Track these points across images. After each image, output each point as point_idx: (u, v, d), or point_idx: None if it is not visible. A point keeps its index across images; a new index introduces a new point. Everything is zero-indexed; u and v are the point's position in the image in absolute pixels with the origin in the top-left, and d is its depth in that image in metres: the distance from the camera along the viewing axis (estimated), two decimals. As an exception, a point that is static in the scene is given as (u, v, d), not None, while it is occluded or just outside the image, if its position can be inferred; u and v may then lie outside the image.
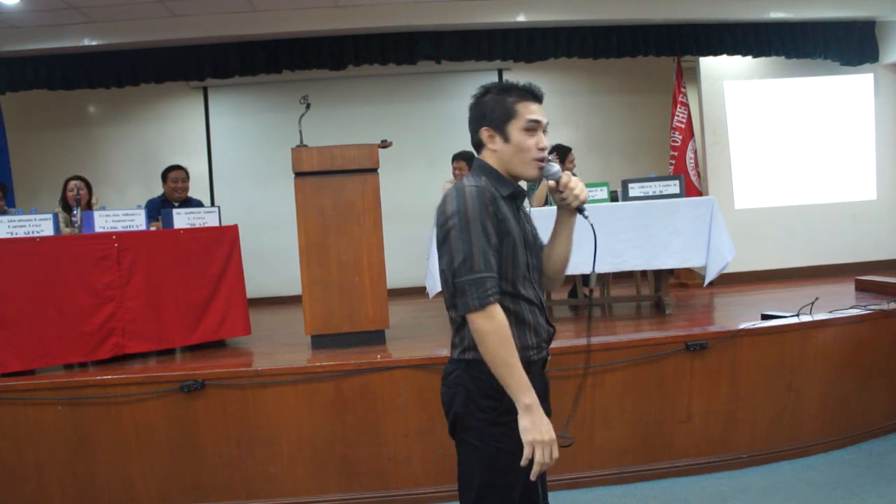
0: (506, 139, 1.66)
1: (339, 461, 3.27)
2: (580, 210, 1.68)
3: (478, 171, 1.70)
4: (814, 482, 3.25)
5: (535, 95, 1.69)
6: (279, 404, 3.25)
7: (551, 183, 1.69)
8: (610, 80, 7.35)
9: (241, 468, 3.24)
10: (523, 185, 1.91)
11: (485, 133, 1.69)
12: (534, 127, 1.65)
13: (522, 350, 1.62)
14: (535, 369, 1.67)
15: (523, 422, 1.52)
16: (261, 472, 3.24)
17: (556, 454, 1.53)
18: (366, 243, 3.80)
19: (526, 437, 1.51)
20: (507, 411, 1.59)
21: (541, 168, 1.67)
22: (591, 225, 1.68)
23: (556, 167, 1.68)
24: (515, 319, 1.63)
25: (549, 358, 1.75)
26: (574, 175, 1.73)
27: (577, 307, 4.96)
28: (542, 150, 1.66)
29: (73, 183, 4.48)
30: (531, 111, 1.66)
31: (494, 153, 1.68)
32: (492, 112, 1.67)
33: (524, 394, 1.53)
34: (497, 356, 1.54)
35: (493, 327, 1.54)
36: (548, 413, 1.74)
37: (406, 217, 5.95)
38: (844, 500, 3.05)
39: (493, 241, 1.58)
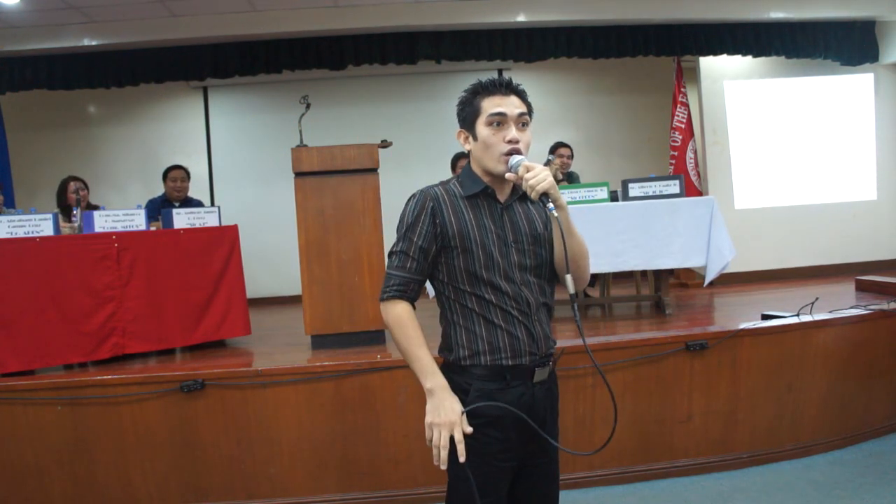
0: (475, 137, 1.67)
1: (338, 461, 3.27)
2: (542, 201, 1.56)
3: (462, 171, 1.74)
4: (814, 482, 3.25)
5: (500, 87, 1.64)
6: (279, 404, 3.25)
7: (510, 175, 1.60)
8: (610, 80, 7.35)
9: (241, 468, 3.24)
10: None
11: (460, 136, 1.72)
12: (498, 120, 1.62)
13: (492, 352, 1.62)
14: (516, 379, 1.63)
15: (427, 406, 1.60)
16: (261, 472, 3.24)
17: (457, 435, 1.55)
18: (366, 243, 3.80)
19: (426, 420, 1.58)
20: (471, 414, 1.62)
21: (507, 161, 1.61)
22: (558, 220, 1.57)
23: (517, 158, 1.60)
24: (483, 321, 1.63)
25: (546, 367, 1.68)
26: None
27: (578, 307, 4.95)
28: (511, 142, 1.61)
29: (75, 184, 4.49)
30: (495, 104, 1.63)
31: (471, 153, 1.71)
32: (462, 113, 1.70)
33: (426, 378, 1.60)
34: (399, 345, 1.65)
35: (389, 320, 1.66)
36: (554, 432, 1.73)
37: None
38: (844, 500, 3.05)
39: (418, 243, 1.63)
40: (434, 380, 1.58)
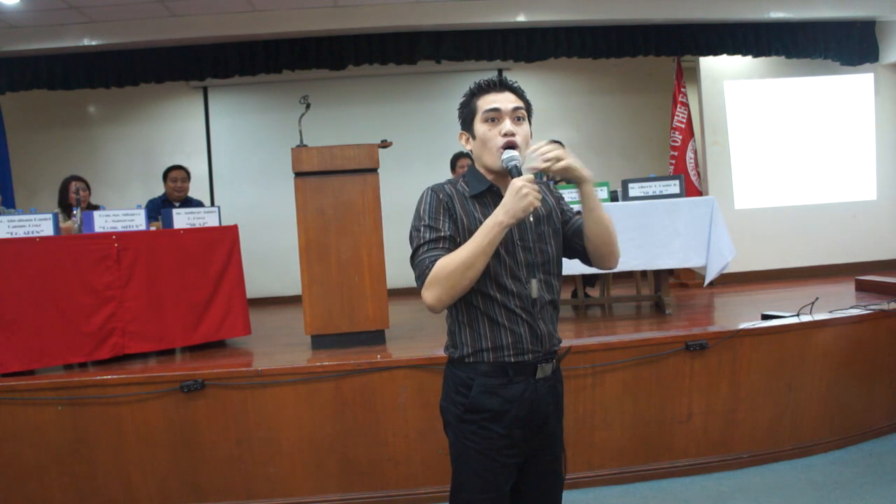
0: (474, 136, 1.69)
1: (339, 461, 3.27)
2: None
3: (466, 172, 1.75)
4: (814, 482, 3.25)
5: (494, 85, 1.66)
6: (279, 404, 3.25)
7: (529, 167, 1.60)
8: (610, 80, 7.35)
9: (241, 468, 3.24)
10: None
11: (462, 138, 1.74)
12: (493, 115, 1.64)
13: (495, 350, 1.63)
14: (519, 375, 1.64)
15: (509, 205, 1.50)
16: (261, 472, 3.24)
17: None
18: (366, 243, 3.80)
19: (523, 202, 1.49)
20: (474, 409, 1.64)
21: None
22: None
23: (509, 153, 1.59)
24: (487, 318, 1.63)
25: (549, 364, 1.68)
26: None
27: (577, 307, 4.97)
28: (506, 135, 1.62)
29: (76, 184, 4.49)
30: (489, 101, 1.65)
31: (473, 153, 1.72)
32: (461, 115, 1.72)
33: (488, 227, 1.51)
34: (463, 264, 1.52)
35: (439, 274, 1.54)
36: (557, 429, 1.74)
37: (406, 217, 5.84)
38: (844, 500, 3.05)
39: (445, 232, 1.60)
40: (495, 216, 1.51)
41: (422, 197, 1.68)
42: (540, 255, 1.68)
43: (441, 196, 1.65)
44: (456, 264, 1.52)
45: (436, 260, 1.56)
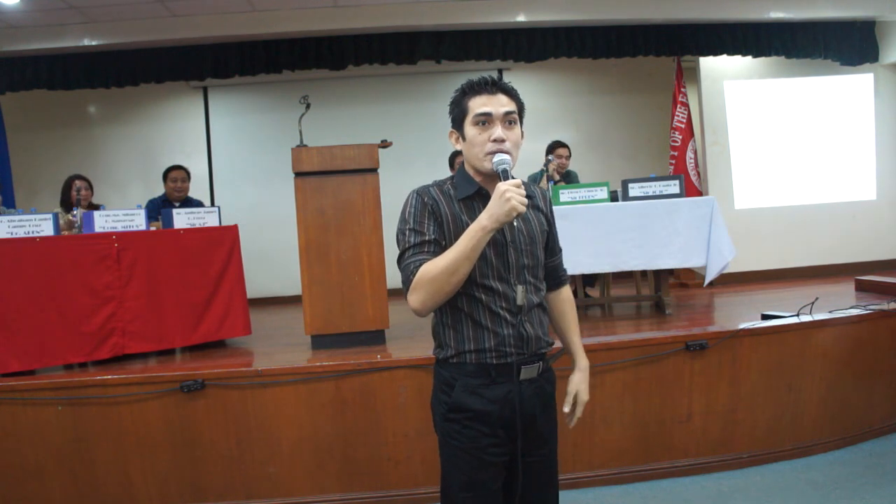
0: (464, 137, 1.67)
1: (339, 461, 3.27)
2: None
3: (457, 172, 1.74)
4: (814, 482, 3.25)
5: (487, 86, 1.64)
6: (279, 404, 3.25)
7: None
8: (610, 80, 7.36)
9: (241, 468, 3.24)
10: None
11: (452, 136, 1.72)
12: (483, 119, 1.62)
13: (478, 352, 1.63)
14: (501, 376, 1.63)
15: (492, 211, 1.50)
16: (261, 472, 3.24)
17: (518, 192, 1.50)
18: (366, 243, 3.80)
19: (502, 208, 1.49)
20: (456, 408, 1.64)
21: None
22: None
23: (499, 157, 1.59)
24: (471, 321, 1.63)
25: (534, 366, 1.67)
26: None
27: (577, 307, 4.96)
28: (496, 142, 1.60)
29: (79, 182, 4.50)
30: (480, 104, 1.62)
31: (463, 153, 1.71)
32: (452, 113, 1.70)
33: (473, 231, 1.52)
34: (448, 269, 1.53)
35: (423, 279, 1.55)
36: (549, 429, 1.74)
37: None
38: (844, 500, 3.05)
39: (430, 236, 1.61)
40: (479, 221, 1.52)
41: (407, 200, 1.67)
42: (530, 257, 1.67)
43: (426, 199, 1.64)
44: (440, 269, 1.53)
45: (420, 264, 1.57)
